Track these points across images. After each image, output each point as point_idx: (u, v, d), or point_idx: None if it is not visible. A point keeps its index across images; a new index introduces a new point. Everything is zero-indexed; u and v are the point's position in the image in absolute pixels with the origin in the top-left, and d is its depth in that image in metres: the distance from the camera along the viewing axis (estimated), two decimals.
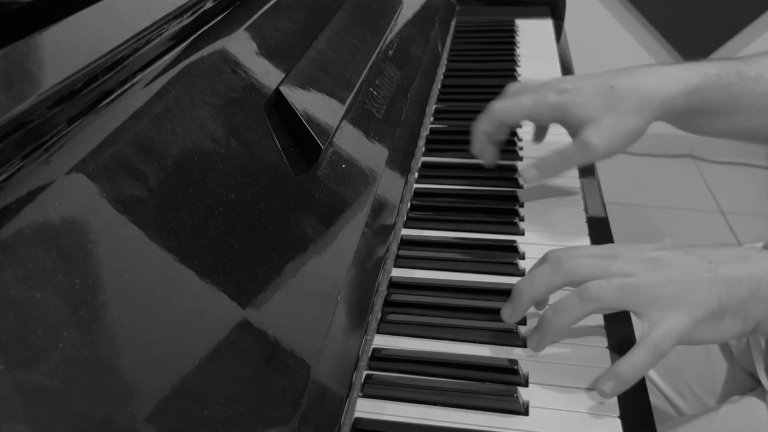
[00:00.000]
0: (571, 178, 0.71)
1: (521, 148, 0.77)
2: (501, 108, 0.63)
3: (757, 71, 0.60)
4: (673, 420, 0.70)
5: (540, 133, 0.71)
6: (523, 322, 0.52)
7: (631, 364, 0.45)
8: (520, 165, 0.72)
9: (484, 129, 0.65)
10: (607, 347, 0.50)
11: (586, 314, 0.46)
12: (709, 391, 0.73)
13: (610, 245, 0.50)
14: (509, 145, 0.77)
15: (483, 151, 0.67)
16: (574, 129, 0.61)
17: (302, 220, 0.48)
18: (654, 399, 0.76)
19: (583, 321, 0.52)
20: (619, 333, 0.51)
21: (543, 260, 0.50)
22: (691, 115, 0.61)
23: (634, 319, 0.51)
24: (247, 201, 0.44)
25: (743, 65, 0.61)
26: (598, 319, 0.52)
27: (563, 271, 0.47)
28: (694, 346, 0.72)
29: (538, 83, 0.63)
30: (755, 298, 0.45)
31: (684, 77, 0.59)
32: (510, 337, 0.50)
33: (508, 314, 0.50)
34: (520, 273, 0.57)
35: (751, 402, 0.62)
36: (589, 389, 0.46)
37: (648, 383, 0.76)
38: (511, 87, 0.66)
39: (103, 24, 0.41)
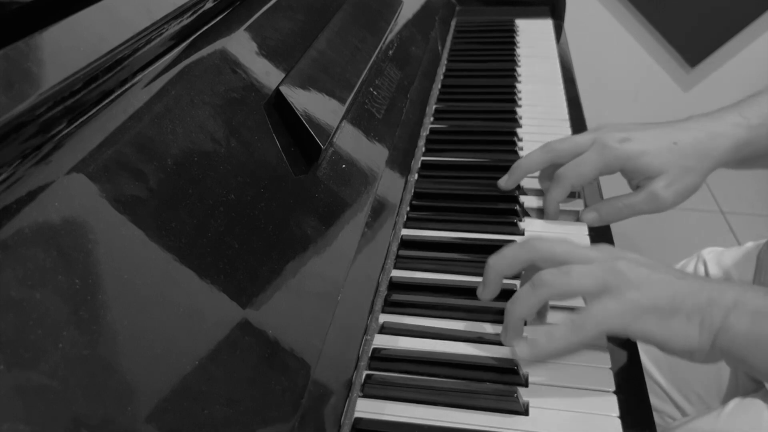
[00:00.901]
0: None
1: (521, 149, 0.77)
2: (573, 172, 0.62)
3: None
4: (676, 421, 0.70)
5: (555, 212, 0.68)
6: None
7: (550, 337, 0.46)
8: (577, 205, 0.69)
9: (555, 197, 0.64)
10: (607, 347, 0.50)
11: (541, 300, 0.47)
12: (713, 394, 0.73)
13: (601, 247, 0.51)
14: (509, 145, 0.77)
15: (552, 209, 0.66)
16: (637, 179, 0.62)
17: (302, 220, 0.48)
18: (658, 401, 0.76)
19: None
20: None
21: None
22: (740, 163, 0.65)
23: None
24: (247, 201, 0.44)
25: None
26: None
27: (529, 247, 0.49)
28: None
29: (588, 136, 0.63)
30: (714, 305, 0.44)
31: (732, 135, 0.62)
32: None
33: (480, 291, 0.52)
34: (520, 273, 0.57)
35: (755, 403, 0.62)
36: (590, 389, 0.46)
37: (651, 385, 0.76)
38: (557, 144, 0.64)
39: (103, 24, 0.41)
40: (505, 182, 0.67)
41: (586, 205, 0.66)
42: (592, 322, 0.45)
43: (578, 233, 0.63)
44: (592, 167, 0.62)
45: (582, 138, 0.64)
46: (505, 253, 0.50)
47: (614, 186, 0.67)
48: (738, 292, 0.45)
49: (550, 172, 0.66)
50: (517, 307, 0.48)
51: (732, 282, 0.47)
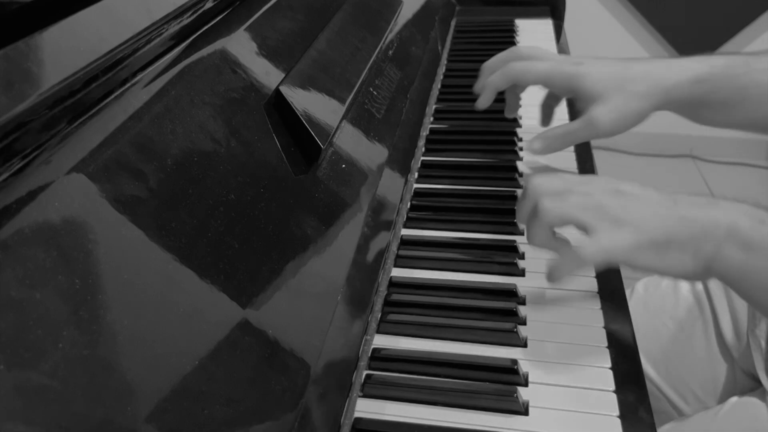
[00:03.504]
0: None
1: (521, 149, 0.77)
2: (519, 68, 0.64)
3: (766, 64, 0.61)
4: (673, 420, 0.70)
5: (547, 116, 0.73)
6: (524, 322, 0.52)
7: (566, 257, 0.48)
8: (520, 164, 0.72)
9: (495, 83, 0.66)
10: (606, 347, 0.50)
11: (543, 230, 0.49)
12: (710, 393, 0.73)
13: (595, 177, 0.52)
14: (509, 145, 0.77)
15: (484, 97, 0.69)
16: (582, 103, 0.63)
17: (302, 220, 0.48)
18: (655, 401, 0.76)
19: (583, 320, 0.52)
20: (620, 332, 0.51)
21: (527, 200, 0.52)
22: (698, 104, 0.62)
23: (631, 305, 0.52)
24: (247, 201, 0.44)
25: (752, 58, 0.62)
26: (598, 320, 0.52)
27: (529, 179, 0.51)
28: (694, 348, 0.72)
29: (552, 53, 0.66)
30: (707, 236, 0.46)
31: (691, 67, 0.61)
32: (510, 337, 0.50)
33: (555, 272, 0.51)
34: (520, 273, 0.57)
35: (752, 402, 0.62)
36: (590, 389, 0.46)
37: (649, 385, 0.76)
38: (525, 49, 0.67)
39: (103, 24, 0.41)
40: (480, 101, 0.69)
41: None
42: (599, 255, 0.47)
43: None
44: (537, 70, 0.64)
45: (543, 52, 0.66)
46: (532, 237, 0.51)
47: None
48: (732, 217, 0.46)
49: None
50: (533, 239, 0.50)
51: (729, 201, 0.48)
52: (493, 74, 0.67)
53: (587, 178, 0.51)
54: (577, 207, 0.48)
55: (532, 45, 0.69)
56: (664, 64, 0.62)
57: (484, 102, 0.69)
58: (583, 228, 0.48)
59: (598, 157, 0.74)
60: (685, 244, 0.46)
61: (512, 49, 0.68)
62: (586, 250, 0.47)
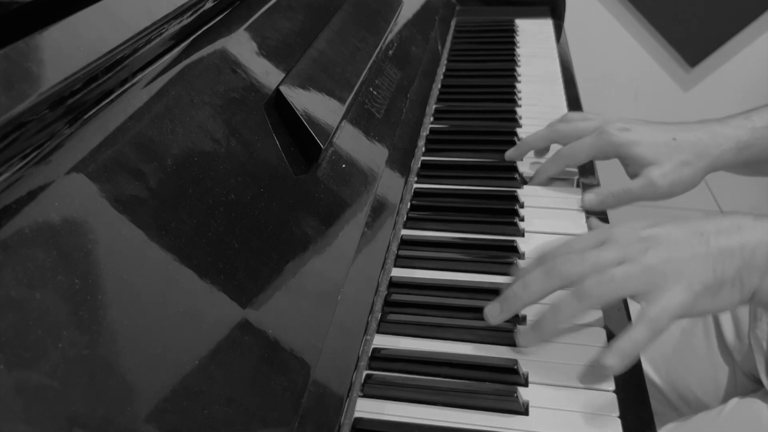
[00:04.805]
0: (571, 179, 0.71)
1: None
2: (568, 153, 0.67)
3: None
4: (674, 421, 0.70)
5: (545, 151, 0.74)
6: (524, 322, 0.52)
7: (631, 340, 0.45)
8: (520, 164, 0.72)
9: (547, 169, 0.69)
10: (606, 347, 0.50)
11: (585, 311, 0.47)
12: (711, 394, 0.73)
13: (603, 229, 0.51)
14: (509, 145, 0.77)
15: (517, 151, 0.72)
16: (633, 168, 0.65)
17: (302, 220, 0.48)
18: (655, 402, 0.76)
19: (583, 321, 0.52)
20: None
21: (538, 261, 0.50)
22: (743, 166, 0.66)
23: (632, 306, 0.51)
24: (247, 201, 0.44)
25: None
26: (598, 320, 0.52)
27: (556, 274, 0.48)
28: (695, 350, 0.72)
29: (593, 123, 0.67)
30: (750, 267, 0.46)
31: (734, 136, 0.64)
32: (510, 337, 0.50)
33: (495, 314, 0.49)
34: None
35: (753, 403, 0.62)
36: (590, 389, 0.46)
37: (649, 386, 0.76)
38: (570, 117, 0.70)
39: (103, 24, 0.41)
40: (511, 154, 0.72)
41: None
42: (666, 317, 0.45)
43: (578, 232, 0.63)
44: (587, 149, 0.65)
45: (586, 124, 0.67)
46: (530, 285, 0.48)
47: (613, 182, 0.68)
48: (763, 239, 0.46)
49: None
50: (561, 318, 0.47)
51: (745, 218, 0.48)
52: (548, 162, 0.69)
53: (602, 234, 0.49)
54: (624, 280, 0.46)
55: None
56: (708, 134, 0.64)
57: (513, 154, 0.71)
58: (635, 297, 0.47)
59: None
60: (734, 280, 0.46)
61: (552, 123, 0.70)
62: (651, 318, 0.45)
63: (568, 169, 0.70)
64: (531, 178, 0.70)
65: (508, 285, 0.50)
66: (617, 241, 0.48)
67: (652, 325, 0.45)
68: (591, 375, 0.47)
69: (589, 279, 0.46)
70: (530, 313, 0.53)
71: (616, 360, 0.45)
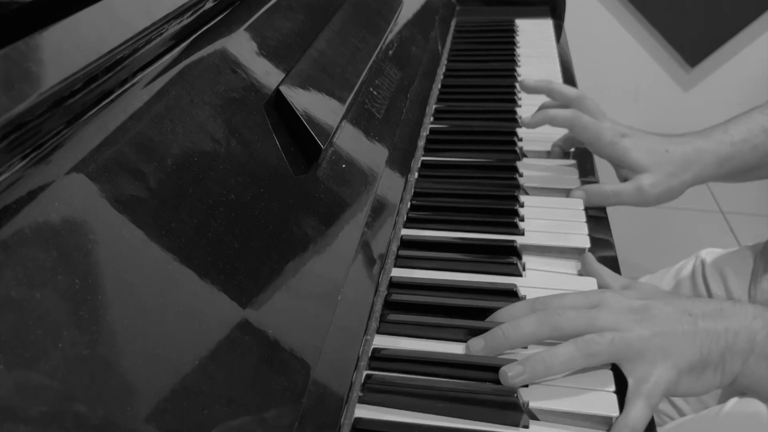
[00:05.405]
0: (571, 179, 0.71)
1: (521, 149, 0.77)
2: (573, 126, 0.70)
3: None
4: (674, 420, 0.70)
5: (556, 154, 0.77)
6: None
7: (636, 418, 0.45)
8: (519, 164, 0.72)
9: (559, 143, 0.76)
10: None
11: (581, 366, 0.47)
12: (711, 394, 0.72)
13: (594, 292, 0.51)
14: (509, 145, 0.77)
15: (535, 119, 0.74)
16: (626, 172, 0.69)
17: (302, 220, 0.48)
18: None
19: None
20: None
21: (529, 307, 0.50)
22: (726, 176, 0.70)
23: None
24: (247, 201, 0.44)
25: (766, 120, 0.68)
26: None
27: (550, 324, 0.48)
28: None
29: (601, 123, 0.70)
30: (733, 352, 0.47)
31: (715, 151, 0.68)
32: None
33: (478, 349, 0.49)
34: (520, 273, 0.57)
35: (752, 403, 0.62)
36: (590, 389, 0.46)
37: None
38: (594, 105, 0.73)
39: (103, 24, 0.41)
40: (529, 120, 0.74)
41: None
42: (658, 392, 0.46)
43: (574, 212, 0.66)
44: (587, 134, 0.69)
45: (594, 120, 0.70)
46: (521, 328, 0.48)
47: (613, 182, 0.68)
48: (746, 325, 0.47)
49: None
50: (556, 366, 0.46)
51: (730, 304, 0.49)
52: (556, 108, 0.72)
53: (593, 297, 0.50)
54: (620, 344, 0.46)
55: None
56: (692, 148, 0.68)
57: (531, 122, 0.74)
58: (622, 364, 0.47)
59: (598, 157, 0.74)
60: (717, 364, 0.47)
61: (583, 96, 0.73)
62: (649, 395, 0.45)
63: (567, 176, 0.71)
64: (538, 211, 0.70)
65: (495, 323, 0.50)
66: (610, 307, 0.48)
67: (651, 401, 0.45)
68: (594, 398, 0.46)
69: (591, 337, 0.46)
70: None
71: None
